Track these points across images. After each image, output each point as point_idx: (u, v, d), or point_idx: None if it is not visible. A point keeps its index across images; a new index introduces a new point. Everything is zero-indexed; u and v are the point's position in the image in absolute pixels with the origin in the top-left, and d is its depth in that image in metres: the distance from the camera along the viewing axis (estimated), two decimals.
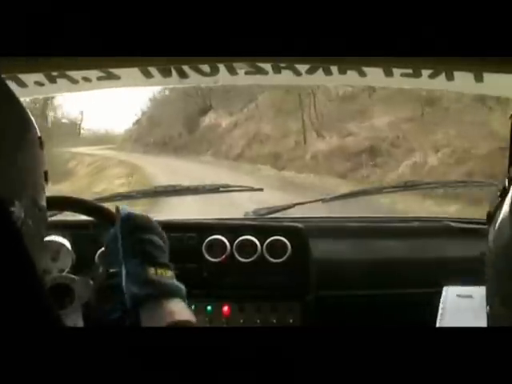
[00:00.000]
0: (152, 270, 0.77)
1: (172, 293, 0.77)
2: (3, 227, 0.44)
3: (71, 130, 13.38)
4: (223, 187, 1.79)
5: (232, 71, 1.03)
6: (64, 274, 0.91)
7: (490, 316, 0.65)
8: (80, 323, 0.85)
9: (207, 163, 9.91)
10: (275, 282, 1.44)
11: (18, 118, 0.59)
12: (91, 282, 0.89)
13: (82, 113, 13.48)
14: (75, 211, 1.00)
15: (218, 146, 11.09)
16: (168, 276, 0.79)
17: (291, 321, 1.43)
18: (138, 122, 14.49)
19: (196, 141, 11.76)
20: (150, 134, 13.35)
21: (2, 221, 0.45)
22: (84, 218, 0.96)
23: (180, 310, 0.75)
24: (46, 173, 0.65)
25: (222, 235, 1.46)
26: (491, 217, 0.63)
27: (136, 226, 0.82)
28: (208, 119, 12.23)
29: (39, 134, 0.64)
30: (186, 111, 12.51)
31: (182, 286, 0.79)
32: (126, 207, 0.85)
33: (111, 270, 1.37)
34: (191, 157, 10.79)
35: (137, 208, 0.91)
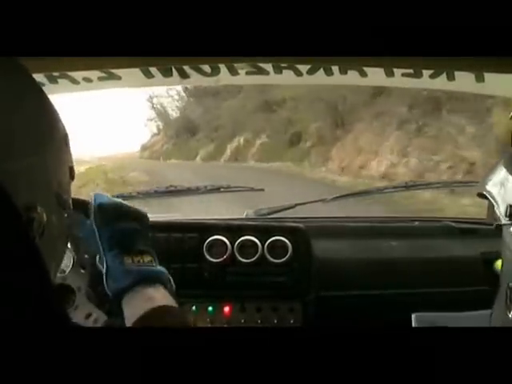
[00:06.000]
0: (129, 260, 0.75)
1: (150, 279, 0.74)
2: (19, 235, 0.45)
3: None
4: (224, 187, 1.79)
5: (233, 71, 1.04)
6: (66, 274, 0.91)
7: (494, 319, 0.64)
8: (81, 323, 0.85)
9: None
10: (276, 283, 1.44)
11: (45, 115, 0.58)
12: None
13: None
14: None
15: None
16: (147, 261, 0.76)
17: (292, 321, 1.43)
18: None
19: None
20: None
21: (19, 229, 0.45)
22: None
23: (159, 296, 0.72)
24: (71, 169, 0.63)
25: (223, 235, 1.46)
26: None
27: (109, 216, 0.78)
28: None
29: (66, 130, 0.62)
30: None
31: (163, 270, 0.77)
32: (100, 195, 0.81)
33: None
34: None
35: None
